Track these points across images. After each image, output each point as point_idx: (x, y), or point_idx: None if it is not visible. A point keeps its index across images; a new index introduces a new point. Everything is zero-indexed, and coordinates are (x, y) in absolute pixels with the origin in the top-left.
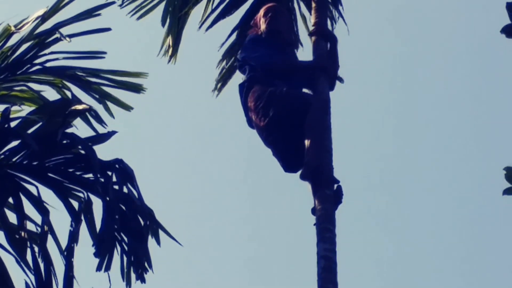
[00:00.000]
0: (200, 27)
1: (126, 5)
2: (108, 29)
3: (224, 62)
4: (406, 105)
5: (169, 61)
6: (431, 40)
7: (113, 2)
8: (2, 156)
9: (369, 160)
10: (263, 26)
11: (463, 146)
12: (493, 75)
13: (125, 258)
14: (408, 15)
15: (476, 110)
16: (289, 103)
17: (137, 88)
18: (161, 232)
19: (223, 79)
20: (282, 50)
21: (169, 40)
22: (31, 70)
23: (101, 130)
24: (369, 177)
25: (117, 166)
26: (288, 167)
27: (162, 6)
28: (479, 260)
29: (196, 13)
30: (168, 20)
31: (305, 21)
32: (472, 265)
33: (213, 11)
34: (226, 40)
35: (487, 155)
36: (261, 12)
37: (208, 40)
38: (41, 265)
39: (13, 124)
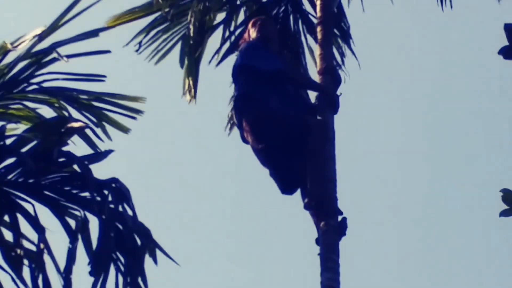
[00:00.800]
0: (210, 62)
1: (142, 51)
2: (108, 51)
3: None
4: (410, 133)
5: (190, 101)
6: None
7: (111, 27)
8: None
9: (373, 191)
10: (253, 35)
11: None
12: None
13: (120, 278)
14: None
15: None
16: (288, 128)
17: (135, 112)
18: (157, 251)
19: None
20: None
21: (189, 80)
22: (27, 89)
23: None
24: (372, 208)
25: (113, 185)
26: (285, 190)
27: (178, 47)
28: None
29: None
30: (186, 62)
31: (312, 54)
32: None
33: (221, 47)
34: None
35: (484, 177)
36: (250, 24)
37: (220, 75)
38: (40, 283)
39: (8, 141)
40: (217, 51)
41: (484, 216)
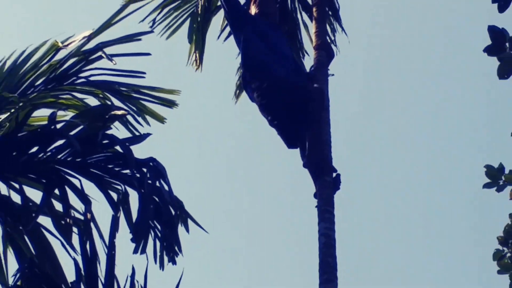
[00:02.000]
0: (218, 37)
1: (156, 26)
2: (148, 54)
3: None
4: (400, 106)
5: (196, 70)
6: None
7: (151, 31)
8: (49, 154)
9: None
10: (254, 10)
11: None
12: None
13: (158, 243)
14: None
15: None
16: (293, 94)
17: (170, 104)
18: (189, 221)
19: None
20: (278, 30)
21: (196, 54)
22: (76, 82)
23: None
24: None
25: (150, 164)
26: (291, 145)
27: (186, 24)
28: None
29: (216, 25)
30: (194, 37)
31: (307, 31)
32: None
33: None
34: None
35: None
36: (251, 2)
37: (227, 49)
38: (87, 248)
39: (59, 126)
40: (223, 29)
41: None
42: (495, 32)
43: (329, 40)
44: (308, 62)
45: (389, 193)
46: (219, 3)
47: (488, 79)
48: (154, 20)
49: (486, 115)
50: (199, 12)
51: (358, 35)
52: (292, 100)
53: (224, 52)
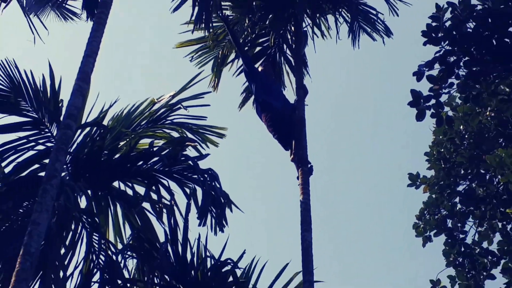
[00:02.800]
0: (234, 74)
1: (194, 60)
2: (207, 105)
3: (244, 94)
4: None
5: (214, 90)
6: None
7: (209, 92)
8: (149, 165)
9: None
10: (260, 68)
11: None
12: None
13: (213, 220)
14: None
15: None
16: (283, 119)
17: (220, 135)
18: (233, 207)
19: (243, 101)
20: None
21: (215, 80)
22: (165, 123)
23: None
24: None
25: (209, 172)
26: (286, 148)
27: (210, 63)
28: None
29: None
30: (215, 70)
31: (289, 77)
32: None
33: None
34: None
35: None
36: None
37: (234, 80)
38: (172, 222)
39: (155, 149)
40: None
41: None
42: (414, 93)
43: (304, 82)
44: (288, 93)
45: (346, 178)
46: (232, 55)
47: (411, 121)
48: (192, 57)
49: (409, 142)
50: (219, 56)
51: (321, 79)
52: (285, 124)
53: (232, 81)
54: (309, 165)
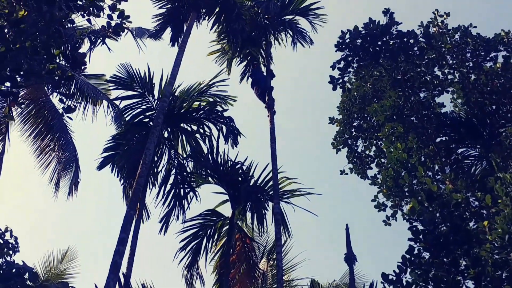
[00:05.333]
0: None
1: (218, 62)
2: (227, 85)
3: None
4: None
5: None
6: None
7: (227, 78)
8: (199, 114)
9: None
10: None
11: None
12: None
13: (231, 141)
14: None
15: None
16: (263, 89)
17: (234, 99)
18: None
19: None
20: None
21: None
22: (206, 93)
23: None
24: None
25: (228, 117)
26: (264, 101)
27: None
28: None
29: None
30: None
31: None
32: None
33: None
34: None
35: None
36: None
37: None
38: (210, 143)
39: (201, 106)
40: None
41: None
42: (331, 77)
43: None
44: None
45: (294, 116)
46: (236, 60)
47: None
48: (216, 60)
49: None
50: (229, 60)
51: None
52: (263, 90)
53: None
54: (273, 109)
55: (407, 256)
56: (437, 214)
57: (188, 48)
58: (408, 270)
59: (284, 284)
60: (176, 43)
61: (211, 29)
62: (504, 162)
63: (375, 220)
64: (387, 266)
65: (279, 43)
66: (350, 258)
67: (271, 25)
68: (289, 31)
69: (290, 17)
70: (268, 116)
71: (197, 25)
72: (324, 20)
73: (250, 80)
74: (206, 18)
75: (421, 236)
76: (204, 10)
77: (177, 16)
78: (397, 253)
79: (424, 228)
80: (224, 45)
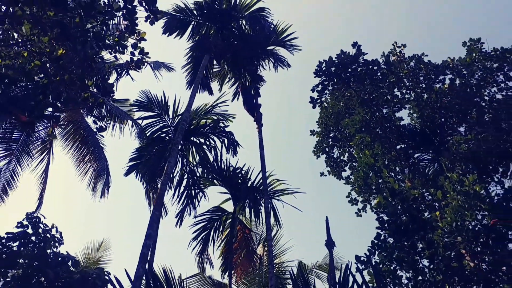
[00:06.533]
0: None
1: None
2: (227, 105)
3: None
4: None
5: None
6: None
7: (227, 100)
8: (205, 130)
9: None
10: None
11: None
12: None
13: (231, 151)
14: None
15: None
16: (252, 107)
17: (233, 116)
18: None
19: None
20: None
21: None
22: (211, 113)
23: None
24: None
25: (229, 132)
26: (253, 115)
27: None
28: None
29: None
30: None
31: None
32: None
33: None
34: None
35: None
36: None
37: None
38: (215, 152)
39: (207, 123)
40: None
41: None
42: (311, 97)
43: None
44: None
45: (278, 128)
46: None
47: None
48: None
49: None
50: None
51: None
52: (252, 108)
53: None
54: (261, 123)
55: (375, 241)
56: (399, 207)
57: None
58: (376, 252)
59: (277, 266)
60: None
61: (219, 65)
62: (452, 164)
63: (349, 212)
64: (360, 250)
65: (264, 68)
66: (330, 244)
67: (258, 54)
68: (271, 59)
69: (271, 47)
70: (256, 128)
71: (210, 66)
72: (298, 49)
73: (241, 98)
74: (218, 60)
75: (386, 225)
76: (214, 54)
77: (197, 62)
78: (367, 239)
79: (388, 219)
80: (224, 72)
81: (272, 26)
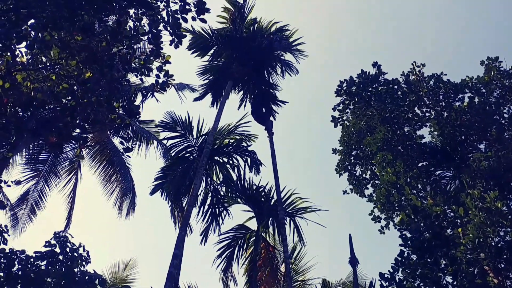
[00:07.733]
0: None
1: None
2: (249, 126)
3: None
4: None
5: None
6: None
7: (249, 121)
8: (228, 149)
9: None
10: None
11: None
12: None
13: (254, 170)
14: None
15: None
16: (264, 119)
17: (255, 136)
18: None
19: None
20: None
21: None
22: (234, 133)
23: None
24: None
25: (252, 151)
26: (264, 126)
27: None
28: None
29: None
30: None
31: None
32: None
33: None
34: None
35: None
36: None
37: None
38: (238, 171)
39: (230, 143)
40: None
41: None
42: (333, 117)
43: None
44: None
45: (291, 140)
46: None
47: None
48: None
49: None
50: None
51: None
52: (264, 119)
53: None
54: (272, 132)
55: (399, 258)
56: (421, 224)
57: None
58: (400, 269)
59: (302, 283)
60: (215, 103)
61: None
62: (473, 181)
63: (372, 230)
64: (383, 267)
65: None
66: (353, 261)
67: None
68: (280, 64)
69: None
70: (267, 137)
71: (234, 90)
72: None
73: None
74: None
75: (409, 242)
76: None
77: (218, 86)
78: (390, 256)
79: (411, 236)
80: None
81: (284, 38)
